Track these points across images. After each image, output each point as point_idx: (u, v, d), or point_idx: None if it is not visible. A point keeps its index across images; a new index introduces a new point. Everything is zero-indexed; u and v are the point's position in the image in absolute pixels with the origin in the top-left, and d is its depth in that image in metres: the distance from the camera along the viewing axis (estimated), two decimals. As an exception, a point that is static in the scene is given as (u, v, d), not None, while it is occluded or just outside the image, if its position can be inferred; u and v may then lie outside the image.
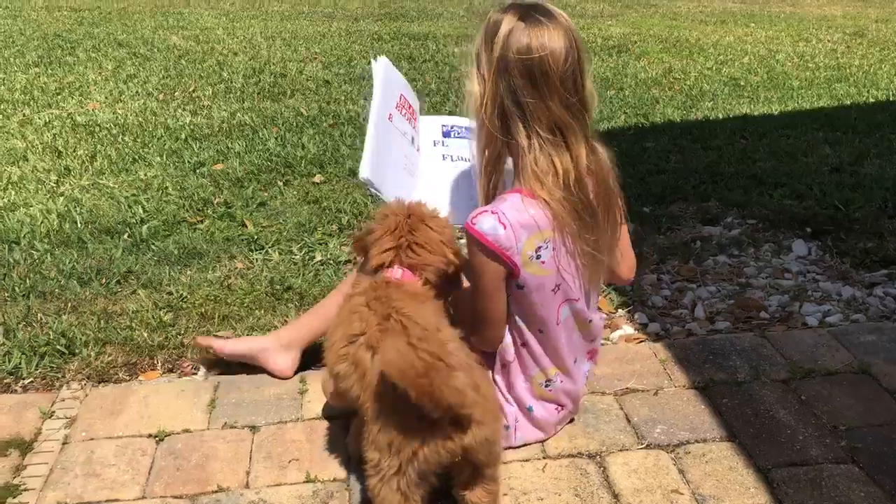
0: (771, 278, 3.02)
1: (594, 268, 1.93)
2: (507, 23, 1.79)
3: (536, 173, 1.80)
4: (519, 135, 1.81)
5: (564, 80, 1.78)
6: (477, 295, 1.89)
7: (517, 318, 1.94)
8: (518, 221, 1.79)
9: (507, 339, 1.97)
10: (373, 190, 2.14)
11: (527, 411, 2.02)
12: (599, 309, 2.13)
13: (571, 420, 2.16)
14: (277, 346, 2.35)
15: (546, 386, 2.01)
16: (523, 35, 1.77)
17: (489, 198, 1.92)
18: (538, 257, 1.83)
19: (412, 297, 1.75)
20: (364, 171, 2.08)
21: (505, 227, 1.78)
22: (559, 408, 2.06)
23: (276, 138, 4.55)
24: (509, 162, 1.92)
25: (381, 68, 2.26)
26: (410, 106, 2.37)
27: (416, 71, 6.49)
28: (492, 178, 1.94)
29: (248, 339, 2.42)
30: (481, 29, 1.86)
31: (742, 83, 6.34)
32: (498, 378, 2.01)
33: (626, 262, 2.09)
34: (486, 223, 1.79)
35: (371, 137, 2.13)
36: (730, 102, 5.71)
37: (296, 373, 2.37)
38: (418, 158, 2.30)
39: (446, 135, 2.44)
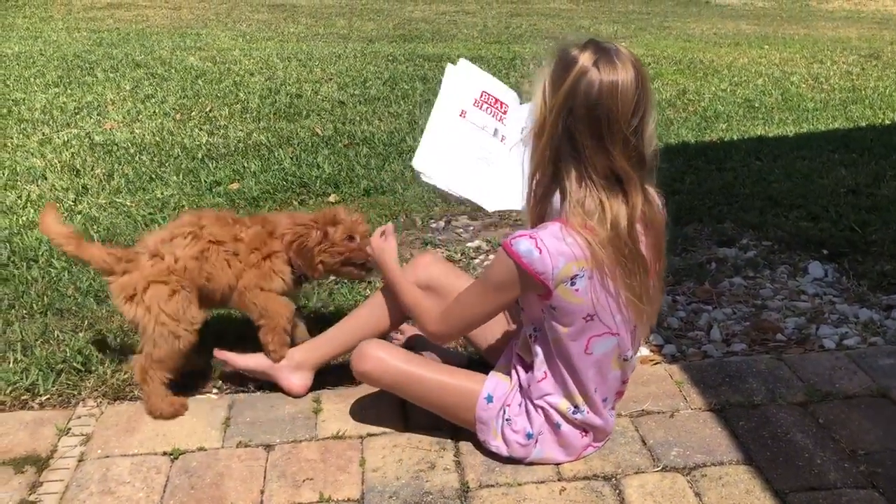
0: (787, 300, 3.01)
1: (637, 311, 1.92)
2: (581, 63, 1.75)
3: (580, 214, 1.80)
4: (569, 175, 1.81)
5: (630, 129, 1.76)
6: (477, 299, 1.97)
7: (549, 338, 1.95)
8: (556, 249, 1.80)
9: (540, 354, 1.98)
10: (424, 178, 2.33)
11: (554, 427, 2.02)
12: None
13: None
14: (288, 367, 2.37)
15: (574, 413, 2.00)
16: (595, 79, 1.73)
17: (535, 225, 1.93)
18: (573, 284, 1.83)
19: None
20: (416, 162, 2.32)
21: (541, 252, 1.80)
22: (585, 435, 2.05)
23: (291, 158, 4.59)
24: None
25: (457, 70, 2.38)
26: (498, 101, 2.43)
27: (431, 91, 6.53)
28: (539, 207, 1.93)
29: (260, 356, 2.42)
30: (555, 55, 1.82)
31: (756, 105, 6.34)
32: (532, 387, 2.01)
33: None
34: (523, 245, 1.81)
35: (430, 131, 2.29)
36: (744, 124, 5.71)
37: (310, 391, 2.38)
38: (503, 148, 2.37)
39: None
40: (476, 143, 2.36)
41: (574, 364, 1.94)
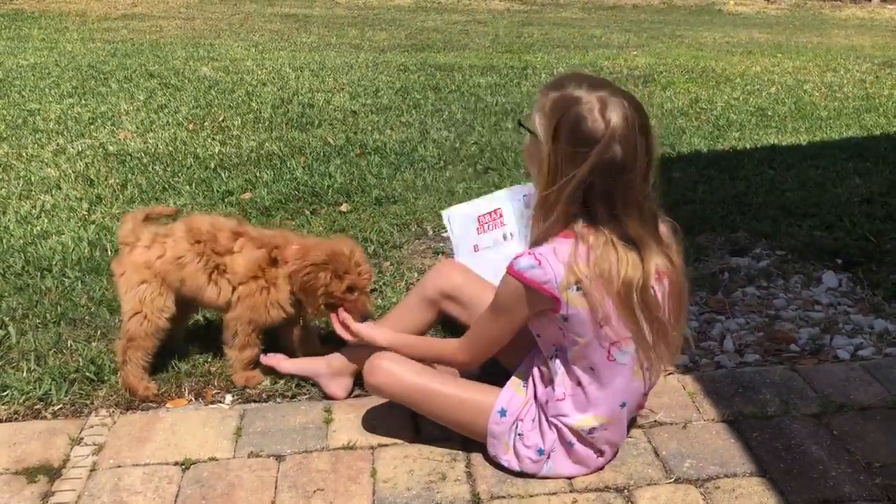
0: (801, 310, 2.99)
1: (648, 357, 1.93)
2: (608, 137, 1.73)
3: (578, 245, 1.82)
4: (580, 233, 1.82)
5: (643, 195, 1.79)
6: (490, 325, 1.99)
7: (568, 356, 1.94)
8: (555, 258, 1.82)
9: (560, 373, 1.97)
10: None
11: (567, 445, 2.01)
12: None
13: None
14: (328, 374, 2.41)
15: (589, 433, 1.99)
16: (618, 153, 1.73)
17: None
18: (578, 289, 1.83)
19: None
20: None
21: (540, 263, 1.81)
22: (599, 455, 2.04)
23: (303, 168, 4.60)
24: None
25: (451, 219, 2.57)
26: (491, 213, 2.56)
27: (442, 101, 6.55)
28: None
29: (304, 362, 2.47)
30: (573, 111, 1.76)
31: (769, 113, 6.32)
32: (549, 404, 2.00)
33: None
34: (524, 262, 1.84)
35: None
36: (757, 132, 5.68)
37: (351, 394, 2.42)
38: (515, 243, 2.47)
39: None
40: (497, 257, 2.45)
41: (599, 375, 1.93)
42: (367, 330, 2.27)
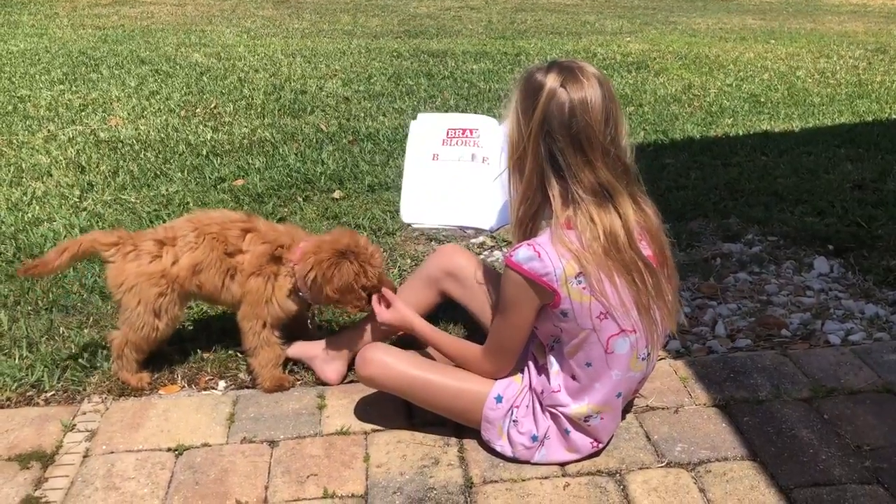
0: (792, 296, 3.00)
1: (649, 319, 1.92)
2: (549, 86, 1.81)
3: (572, 230, 1.83)
4: (555, 197, 1.84)
5: (608, 140, 1.81)
6: (503, 325, 1.97)
7: (565, 351, 1.94)
8: (555, 249, 1.82)
9: (555, 365, 1.98)
10: (416, 226, 2.57)
11: (563, 432, 2.02)
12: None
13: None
14: (324, 357, 2.42)
15: (586, 421, 2.00)
16: (564, 99, 1.79)
17: None
18: (579, 283, 1.83)
19: None
20: (403, 216, 2.63)
21: (539, 255, 1.82)
22: (595, 443, 2.05)
23: (296, 154, 4.58)
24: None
25: (419, 123, 2.53)
26: (465, 130, 2.53)
27: (435, 87, 6.53)
28: (527, 232, 1.95)
29: (299, 346, 2.48)
30: (521, 82, 1.89)
31: (762, 100, 6.32)
32: (545, 394, 2.01)
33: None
34: (522, 253, 1.84)
35: (406, 184, 2.46)
36: (750, 119, 5.68)
37: (344, 379, 2.42)
38: (486, 168, 2.43)
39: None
40: (458, 174, 2.44)
41: (596, 367, 1.93)
42: (406, 312, 2.22)
